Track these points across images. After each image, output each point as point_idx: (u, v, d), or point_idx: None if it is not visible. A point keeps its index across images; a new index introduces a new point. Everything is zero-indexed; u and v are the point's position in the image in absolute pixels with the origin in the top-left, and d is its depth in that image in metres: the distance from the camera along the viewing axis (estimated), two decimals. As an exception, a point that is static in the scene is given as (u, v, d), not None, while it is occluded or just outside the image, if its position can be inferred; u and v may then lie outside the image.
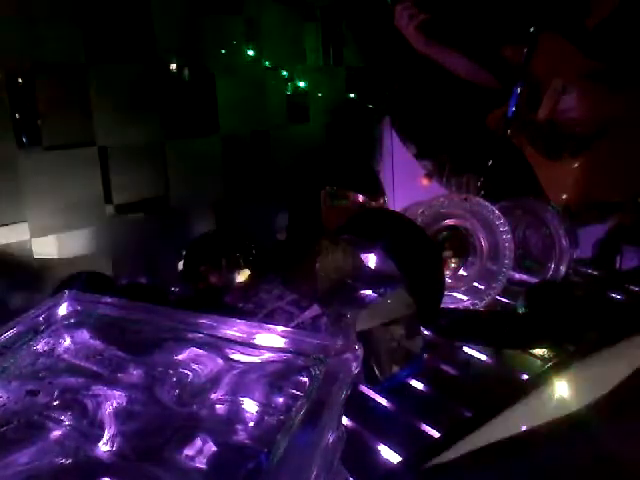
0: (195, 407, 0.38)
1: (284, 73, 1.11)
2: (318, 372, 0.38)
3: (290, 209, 1.02)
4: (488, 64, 1.06)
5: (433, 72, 1.16)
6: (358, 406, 0.54)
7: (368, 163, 1.13)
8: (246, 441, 0.35)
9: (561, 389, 0.57)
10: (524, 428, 0.52)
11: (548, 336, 0.66)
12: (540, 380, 0.59)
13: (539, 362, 0.63)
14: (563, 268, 0.82)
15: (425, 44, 1.09)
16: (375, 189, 1.03)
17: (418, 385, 0.59)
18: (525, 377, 0.60)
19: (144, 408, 0.38)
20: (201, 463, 0.33)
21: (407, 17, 1.08)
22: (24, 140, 0.79)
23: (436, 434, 0.50)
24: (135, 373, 0.41)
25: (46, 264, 0.81)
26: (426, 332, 0.65)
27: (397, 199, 1.25)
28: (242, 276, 0.76)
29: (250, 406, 0.38)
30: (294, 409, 0.36)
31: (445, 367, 0.62)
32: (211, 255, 0.77)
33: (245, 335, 0.43)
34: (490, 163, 1.02)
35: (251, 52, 1.04)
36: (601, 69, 0.95)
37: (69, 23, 0.81)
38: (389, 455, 0.48)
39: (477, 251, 0.79)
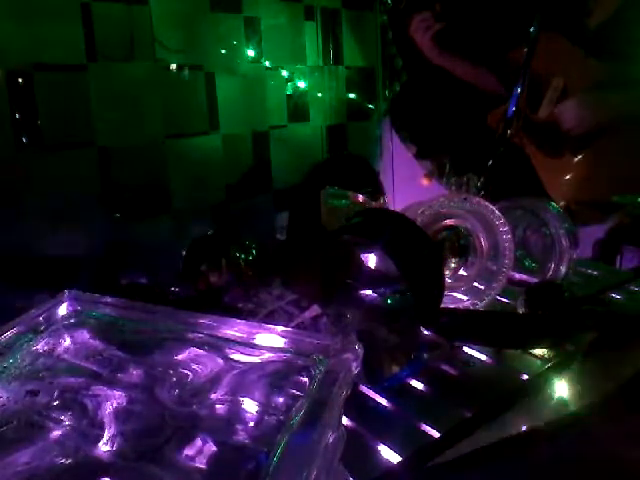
0: (195, 407, 0.38)
1: (284, 73, 1.11)
2: (318, 372, 0.38)
3: (290, 209, 1.02)
4: (498, 70, 1.06)
5: (434, 73, 1.17)
6: (358, 406, 0.54)
7: (368, 163, 1.13)
8: (246, 441, 0.35)
9: (561, 389, 0.57)
10: (524, 428, 0.52)
11: (548, 336, 0.65)
12: (540, 380, 0.59)
13: (539, 362, 0.63)
14: (563, 268, 0.82)
15: (439, 54, 1.11)
16: (375, 189, 1.03)
17: (418, 385, 0.59)
18: (525, 377, 0.60)
19: (144, 408, 0.38)
20: (201, 463, 0.33)
21: (424, 28, 1.10)
22: (24, 140, 0.79)
23: (436, 434, 0.50)
24: (135, 373, 0.41)
25: (47, 264, 0.81)
26: (426, 332, 0.65)
27: (397, 199, 1.25)
28: (242, 276, 0.76)
29: (250, 406, 0.38)
30: (294, 409, 0.36)
31: (445, 367, 0.62)
32: (211, 255, 0.77)
33: (245, 335, 0.43)
34: (490, 163, 1.02)
35: (251, 52, 1.04)
36: (600, 71, 0.96)
37: (69, 23, 0.81)
38: (389, 455, 0.48)
39: (477, 251, 0.79)
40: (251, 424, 0.36)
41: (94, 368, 0.42)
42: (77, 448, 0.35)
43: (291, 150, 1.12)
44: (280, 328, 0.44)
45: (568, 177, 1.04)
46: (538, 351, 0.64)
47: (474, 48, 1.10)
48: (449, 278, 0.78)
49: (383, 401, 0.56)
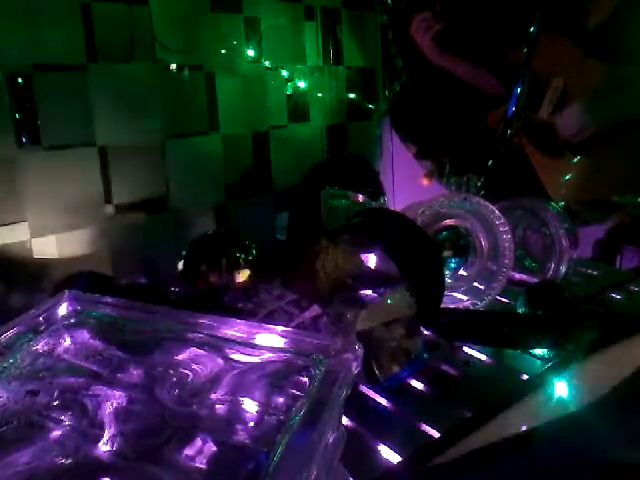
0: (195, 407, 0.38)
1: (284, 73, 1.11)
2: (318, 372, 0.38)
3: (290, 209, 1.02)
4: (499, 71, 1.06)
5: (434, 73, 1.17)
6: (358, 406, 0.54)
7: (368, 163, 1.13)
8: (246, 441, 0.35)
9: (561, 389, 0.57)
10: (524, 428, 0.52)
11: (548, 336, 0.66)
12: (540, 380, 0.59)
13: (539, 362, 0.63)
14: (563, 268, 0.82)
15: (440, 54, 1.11)
16: (375, 189, 1.03)
17: (418, 385, 0.59)
18: (525, 377, 0.60)
19: (144, 408, 0.38)
20: (201, 463, 0.33)
21: (424, 28, 1.10)
22: (24, 140, 0.79)
23: (436, 434, 0.50)
24: (135, 373, 0.41)
25: (46, 264, 0.81)
26: (426, 332, 0.65)
27: (397, 199, 1.25)
28: (242, 276, 0.76)
29: (250, 406, 0.38)
30: (294, 409, 0.36)
31: (445, 367, 0.62)
32: (211, 255, 0.77)
33: (245, 335, 0.43)
34: (490, 163, 1.02)
35: (251, 52, 1.04)
36: (600, 71, 0.96)
37: (69, 23, 0.81)
38: (389, 455, 0.48)
39: (477, 251, 0.79)
40: (251, 424, 0.36)
41: (94, 368, 0.42)
42: (77, 448, 0.35)
43: (291, 150, 1.12)
44: (280, 328, 0.44)
45: (568, 177, 1.04)
46: (538, 351, 0.64)
47: (474, 49, 1.10)
48: (449, 278, 0.78)
49: (383, 401, 0.56)
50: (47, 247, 0.82)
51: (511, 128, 1.00)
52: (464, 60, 1.11)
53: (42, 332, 0.46)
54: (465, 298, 0.76)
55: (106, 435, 0.35)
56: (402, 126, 1.30)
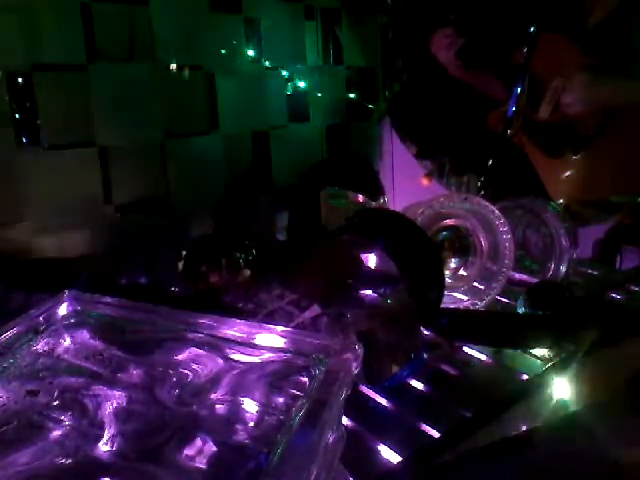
0: (195, 407, 0.38)
1: (284, 73, 1.11)
2: (318, 372, 0.38)
3: (290, 209, 1.02)
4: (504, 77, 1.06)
5: (434, 73, 1.16)
6: (358, 406, 0.54)
7: (368, 163, 1.13)
8: (246, 441, 0.35)
9: (561, 389, 0.57)
10: (524, 428, 0.52)
11: (548, 336, 0.65)
12: (540, 380, 0.59)
13: (539, 362, 0.63)
14: (563, 268, 0.82)
15: (464, 70, 1.10)
16: (375, 189, 1.03)
17: (418, 385, 0.59)
18: (525, 377, 0.60)
19: (144, 408, 0.38)
20: (201, 463, 0.33)
21: (447, 45, 1.09)
22: (24, 140, 0.79)
23: (436, 434, 0.50)
24: (135, 373, 0.41)
25: (46, 264, 0.81)
26: (426, 332, 0.65)
27: (397, 199, 1.25)
28: (242, 276, 0.76)
29: (250, 406, 0.38)
30: (294, 409, 0.36)
31: (445, 367, 0.62)
32: (211, 255, 0.77)
33: (245, 335, 0.43)
34: (490, 163, 1.02)
35: (251, 52, 1.04)
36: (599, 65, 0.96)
37: (69, 23, 0.81)
38: (389, 455, 0.48)
39: (477, 251, 0.79)
40: (251, 424, 0.36)
41: (94, 368, 0.42)
42: (77, 448, 0.35)
43: (291, 150, 1.12)
44: (280, 328, 0.44)
45: (568, 177, 1.04)
46: (538, 351, 0.64)
47: (496, 60, 1.09)
48: (449, 278, 0.78)
49: (383, 401, 0.56)
50: (47, 247, 0.82)
51: (511, 128, 1.00)
52: (489, 74, 1.10)
53: (42, 332, 0.46)
54: (465, 298, 0.76)
55: (106, 435, 0.36)
56: (402, 126, 1.30)
